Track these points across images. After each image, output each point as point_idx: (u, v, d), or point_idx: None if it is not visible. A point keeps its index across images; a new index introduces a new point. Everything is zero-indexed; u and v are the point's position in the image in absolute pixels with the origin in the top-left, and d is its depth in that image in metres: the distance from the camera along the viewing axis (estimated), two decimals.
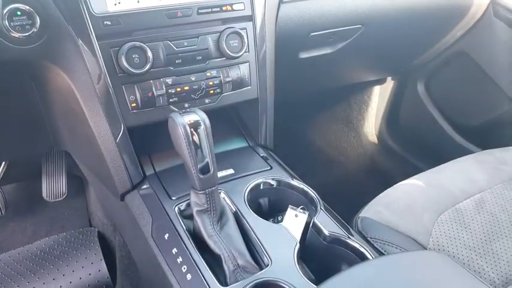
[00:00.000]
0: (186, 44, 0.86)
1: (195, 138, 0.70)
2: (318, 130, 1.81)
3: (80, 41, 0.78)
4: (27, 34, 0.72)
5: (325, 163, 1.76)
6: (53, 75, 0.81)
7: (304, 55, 1.16)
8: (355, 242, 0.74)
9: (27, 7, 0.71)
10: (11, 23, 0.70)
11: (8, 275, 1.23)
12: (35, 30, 0.73)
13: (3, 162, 1.34)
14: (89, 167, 1.04)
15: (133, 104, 0.83)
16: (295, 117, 1.65)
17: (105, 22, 0.78)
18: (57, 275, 1.22)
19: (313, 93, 1.54)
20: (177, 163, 0.92)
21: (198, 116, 0.71)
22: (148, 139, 0.93)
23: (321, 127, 1.81)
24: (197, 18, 0.86)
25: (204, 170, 0.72)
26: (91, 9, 0.77)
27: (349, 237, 0.75)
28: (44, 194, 1.41)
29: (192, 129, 0.69)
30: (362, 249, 0.73)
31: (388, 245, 0.83)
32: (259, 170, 0.90)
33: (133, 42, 0.80)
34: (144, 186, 0.88)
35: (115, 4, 0.80)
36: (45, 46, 0.75)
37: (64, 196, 1.43)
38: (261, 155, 0.97)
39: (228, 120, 1.05)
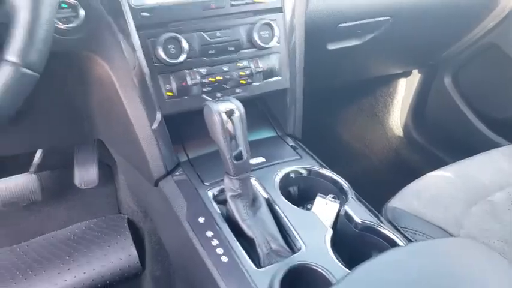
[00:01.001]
0: (219, 35, 0.88)
1: (230, 125, 0.72)
2: (342, 122, 1.81)
3: (119, 32, 0.81)
4: (71, 25, 0.75)
5: (350, 155, 1.76)
6: (93, 65, 0.85)
7: (332, 46, 1.17)
8: (387, 230, 0.75)
9: (73, 0, 0.75)
10: (57, 15, 0.74)
11: (45, 257, 1.29)
12: (79, 22, 0.76)
13: (40, 151, 1.40)
14: (123, 155, 1.08)
15: (169, 93, 0.86)
16: (320, 108, 1.66)
17: (143, 14, 0.81)
18: (91, 259, 1.27)
19: (339, 84, 1.54)
20: (209, 150, 0.94)
21: (233, 104, 0.73)
22: (181, 127, 0.96)
23: (346, 119, 1.81)
24: (230, 9, 0.88)
25: (238, 156, 0.74)
26: (130, 1, 0.80)
27: (380, 225, 0.76)
28: (76, 181, 1.47)
29: (227, 117, 0.72)
30: (394, 237, 0.74)
31: (419, 234, 0.84)
32: (289, 159, 0.92)
33: (169, 33, 0.83)
34: (178, 172, 0.91)
35: None
36: (88, 37, 0.79)
37: (95, 184, 1.49)
38: (290, 144, 0.99)
39: (256, 110, 1.07)
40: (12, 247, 1.35)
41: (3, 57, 0.54)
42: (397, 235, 0.75)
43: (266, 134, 1.03)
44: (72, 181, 1.49)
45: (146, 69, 0.83)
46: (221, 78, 0.90)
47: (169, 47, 0.83)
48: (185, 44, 0.84)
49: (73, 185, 1.49)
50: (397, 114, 1.82)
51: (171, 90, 0.86)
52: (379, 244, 0.76)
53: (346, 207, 0.80)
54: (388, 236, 0.75)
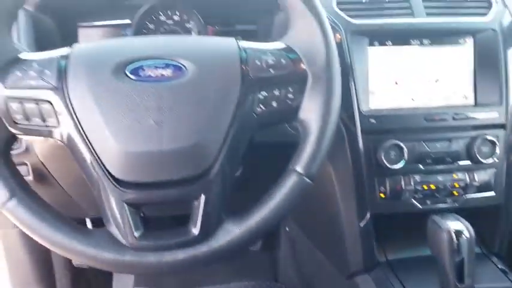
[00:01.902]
0: (438, 145, 0.91)
1: (457, 246, 0.72)
2: None
3: (347, 135, 0.89)
4: None
5: None
6: None
7: None
8: None
9: None
10: None
11: None
12: None
13: None
14: (315, 241, 1.14)
15: (382, 195, 0.90)
16: None
17: (370, 120, 0.89)
18: None
19: None
20: (409, 255, 0.94)
21: (463, 224, 0.73)
22: (384, 228, 0.98)
23: None
24: (452, 123, 0.91)
25: (462, 279, 0.72)
26: (361, 108, 0.89)
27: None
28: None
29: (455, 237, 0.72)
30: None
31: None
32: (501, 285, 0.86)
33: (393, 141, 0.88)
34: (377, 272, 0.92)
35: (378, 104, 0.91)
36: None
37: (258, 246, 1.59)
38: (499, 267, 0.92)
39: None
40: None
41: (292, 166, 0.64)
42: None
43: None
44: None
45: (365, 171, 0.89)
46: (434, 187, 0.91)
47: (390, 152, 0.89)
48: (406, 152, 0.88)
49: None
50: None
51: (384, 193, 0.90)
52: None
53: None
54: None
